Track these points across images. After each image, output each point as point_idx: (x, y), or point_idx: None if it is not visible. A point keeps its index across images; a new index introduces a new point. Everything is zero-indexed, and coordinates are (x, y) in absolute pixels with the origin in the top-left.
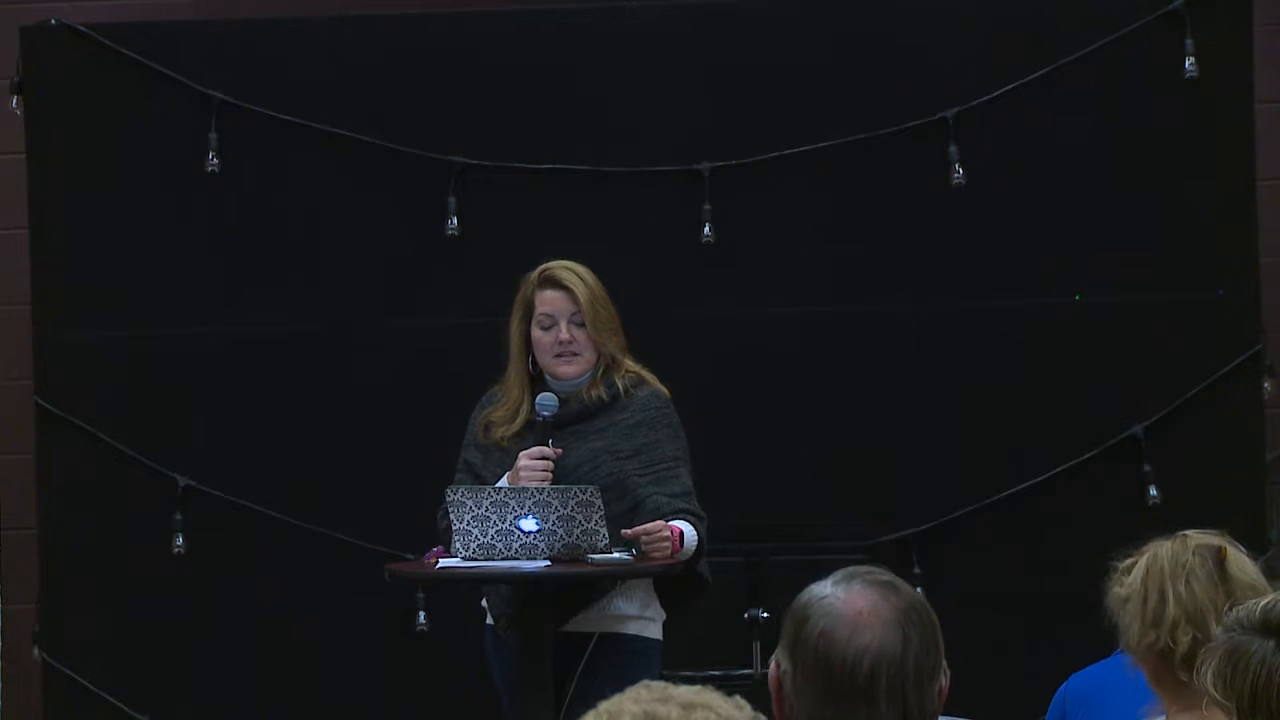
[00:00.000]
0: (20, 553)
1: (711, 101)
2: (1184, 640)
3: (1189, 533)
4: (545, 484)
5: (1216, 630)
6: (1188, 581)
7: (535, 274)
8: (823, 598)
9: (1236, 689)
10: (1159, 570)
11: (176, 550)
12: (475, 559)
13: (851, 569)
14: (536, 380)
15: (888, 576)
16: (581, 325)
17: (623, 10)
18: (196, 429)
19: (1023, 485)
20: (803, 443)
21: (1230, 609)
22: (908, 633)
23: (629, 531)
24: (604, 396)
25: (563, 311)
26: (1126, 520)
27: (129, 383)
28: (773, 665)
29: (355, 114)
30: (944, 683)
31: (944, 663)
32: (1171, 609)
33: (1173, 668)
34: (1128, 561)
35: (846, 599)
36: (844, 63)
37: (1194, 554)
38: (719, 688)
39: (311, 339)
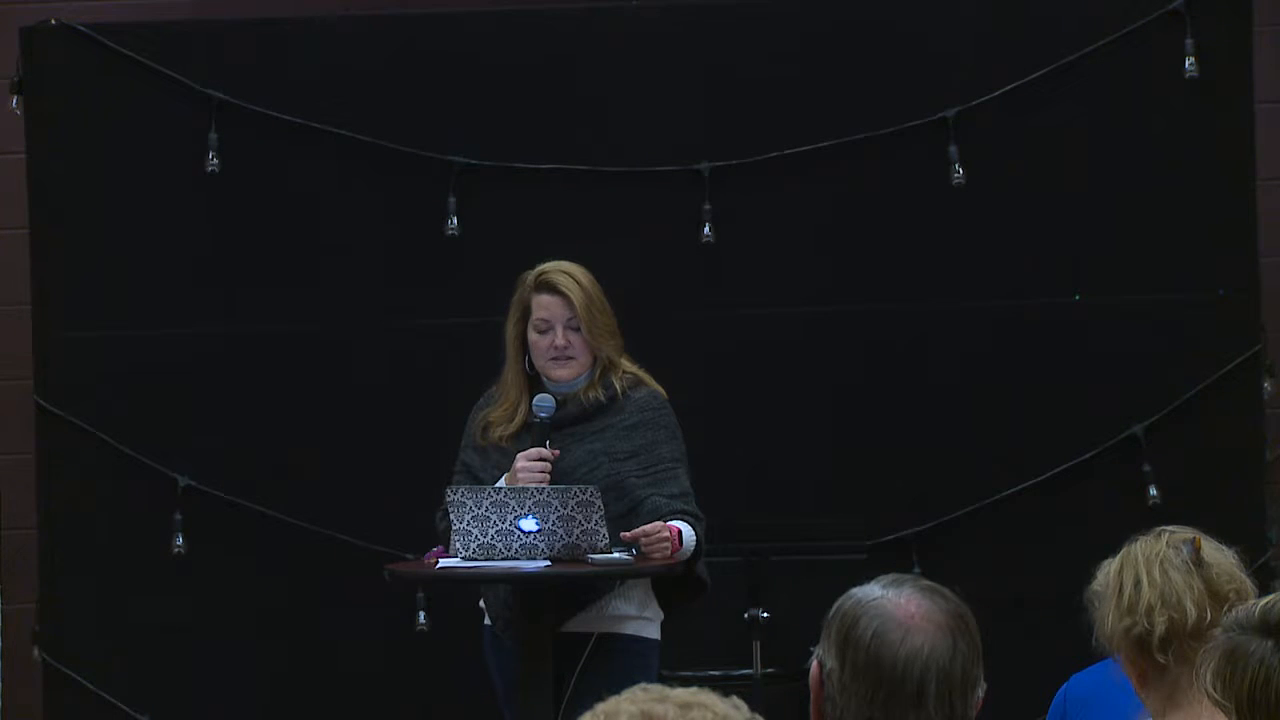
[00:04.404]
0: (20, 553)
1: (711, 101)
2: (1160, 622)
3: (1165, 528)
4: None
5: (1191, 609)
6: (1163, 568)
7: (531, 276)
8: (874, 599)
9: (1235, 689)
10: (1134, 561)
11: (176, 550)
12: (475, 559)
13: (897, 575)
14: (533, 381)
15: (934, 584)
16: (577, 330)
17: (623, 10)
18: (196, 429)
19: (1023, 485)
20: (803, 443)
21: (1209, 596)
22: (957, 640)
23: (628, 534)
24: (601, 398)
25: (559, 317)
26: (1126, 520)
27: (129, 383)
28: (814, 664)
29: (355, 114)
30: (980, 693)
31: (981, 672)
32: (1147, 593)
33: (1150, 652)
34: (1105, 562)
35: (898, 602)
36: (844, 62)
37: (1169, 545)
38: (718, 688)
39: (311, 339)
